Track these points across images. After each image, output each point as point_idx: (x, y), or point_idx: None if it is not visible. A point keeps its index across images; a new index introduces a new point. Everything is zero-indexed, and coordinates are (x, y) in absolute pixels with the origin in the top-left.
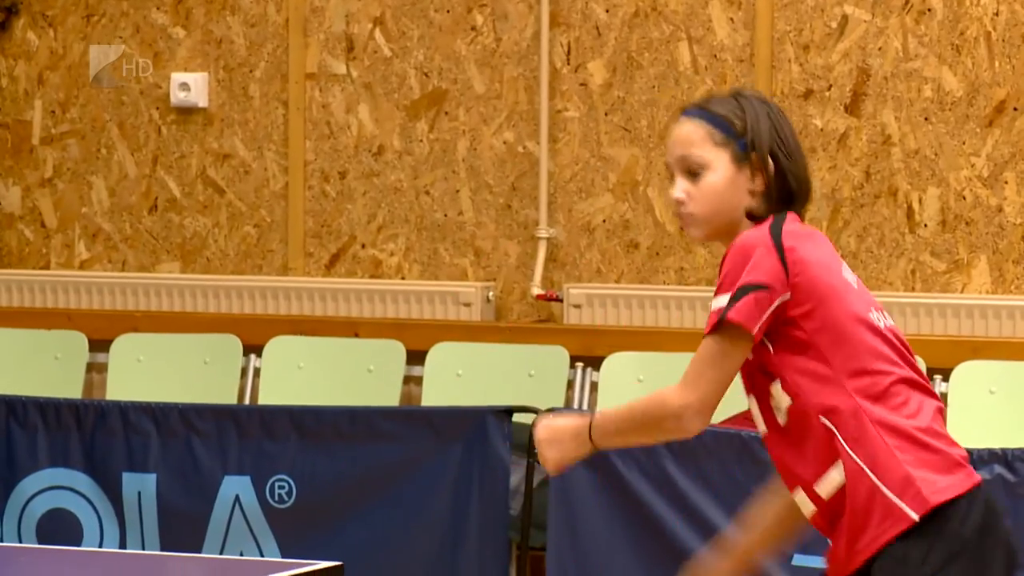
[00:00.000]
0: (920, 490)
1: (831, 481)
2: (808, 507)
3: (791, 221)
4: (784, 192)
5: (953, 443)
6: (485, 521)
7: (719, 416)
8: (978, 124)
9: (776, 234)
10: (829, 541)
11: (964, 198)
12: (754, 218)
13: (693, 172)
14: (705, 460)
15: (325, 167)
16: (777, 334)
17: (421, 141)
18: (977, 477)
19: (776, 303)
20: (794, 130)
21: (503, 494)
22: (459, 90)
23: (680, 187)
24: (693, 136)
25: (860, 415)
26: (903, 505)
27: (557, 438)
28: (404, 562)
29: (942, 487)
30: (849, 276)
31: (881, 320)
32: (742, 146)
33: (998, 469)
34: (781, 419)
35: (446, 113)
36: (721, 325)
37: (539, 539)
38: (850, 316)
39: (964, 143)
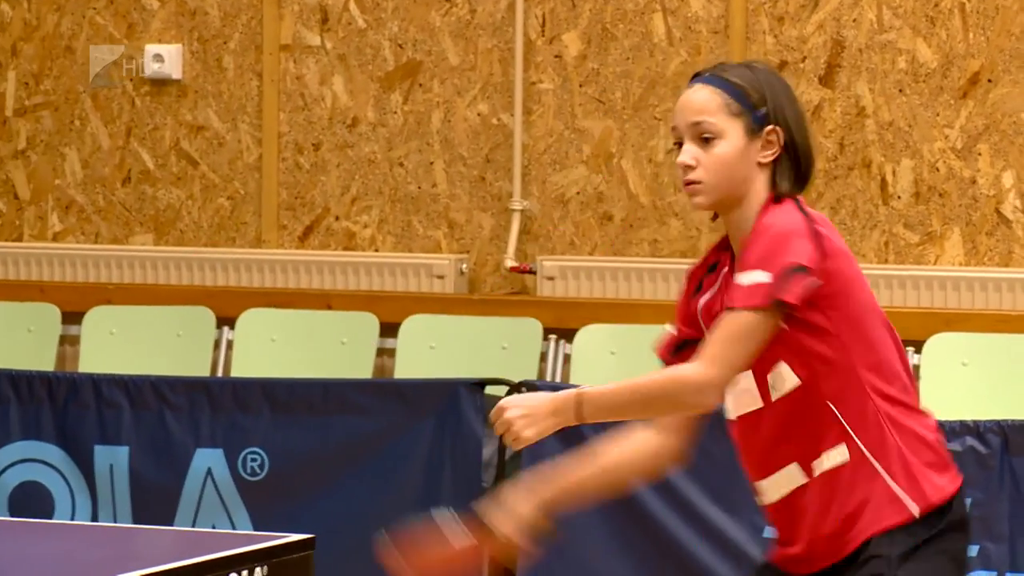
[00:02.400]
0: (923, 488)
1: (830, 460)
2: (794, 482)
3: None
4: (793, 166)
5: (945, 444)
6: (458, 493)
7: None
8: (952, 96)
9: (809, 220)
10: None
11: (938, 170)
12: (773, 196)
13: (705, 139)
14: None
15: (299, 139)
16: (796, 316)
17: (395, 113)
18: (960, 477)
19: (812, 287)
20: (802, 106)
21: (476, 466)
22: (433, 62)
23: (689, 152)
24: (709, 103)
25: (871, 407)
26: (906, 498)
27: (533, 414)
28: (376, 535)
29: (939, 486)
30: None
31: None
32: (756, 119)
33: (970, 441)
34: (775, 396)
35: (420, 85)
36: (767, 302)
37: None
38: (870, 311)
39: (938, 115)
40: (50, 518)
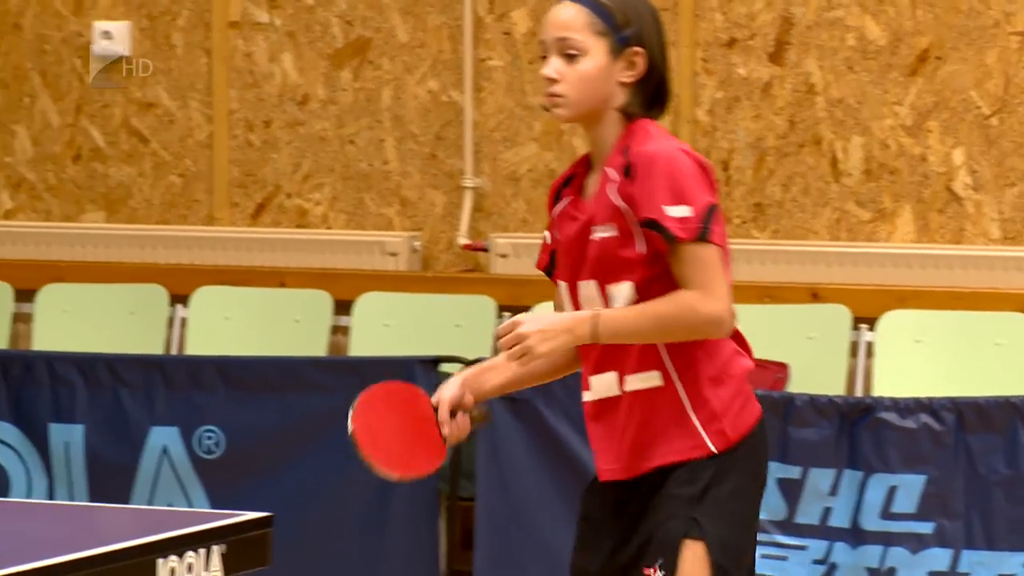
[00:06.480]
0: (724, 428)
1: (641, 382)
2: (611, 391)
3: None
4: (651, 92)
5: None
6: None
7: None
8: (901, 73)
9: (695, 154)
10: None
11: (888, 147)
12: (627, 115)
13: (569, 55)
14: None
15: (249, 116)
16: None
17: (345, 90)
18: (758, 408)
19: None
20: (666, 35)
21: None
22: (383, 39)
23: (554, 66)
24: (575, 21)
25: (691, 347)
26: (706, 436)
27: (548, 330)
28: (333, 512)
29: (739, 424)
30: None
31: None
32: (621, 40)
33: (924, 419)
34: (611, 307)
35: (370, 62)
36: (705, 238)
37: (468, 489)
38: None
39: (887, 92)
40: (6, 496)
